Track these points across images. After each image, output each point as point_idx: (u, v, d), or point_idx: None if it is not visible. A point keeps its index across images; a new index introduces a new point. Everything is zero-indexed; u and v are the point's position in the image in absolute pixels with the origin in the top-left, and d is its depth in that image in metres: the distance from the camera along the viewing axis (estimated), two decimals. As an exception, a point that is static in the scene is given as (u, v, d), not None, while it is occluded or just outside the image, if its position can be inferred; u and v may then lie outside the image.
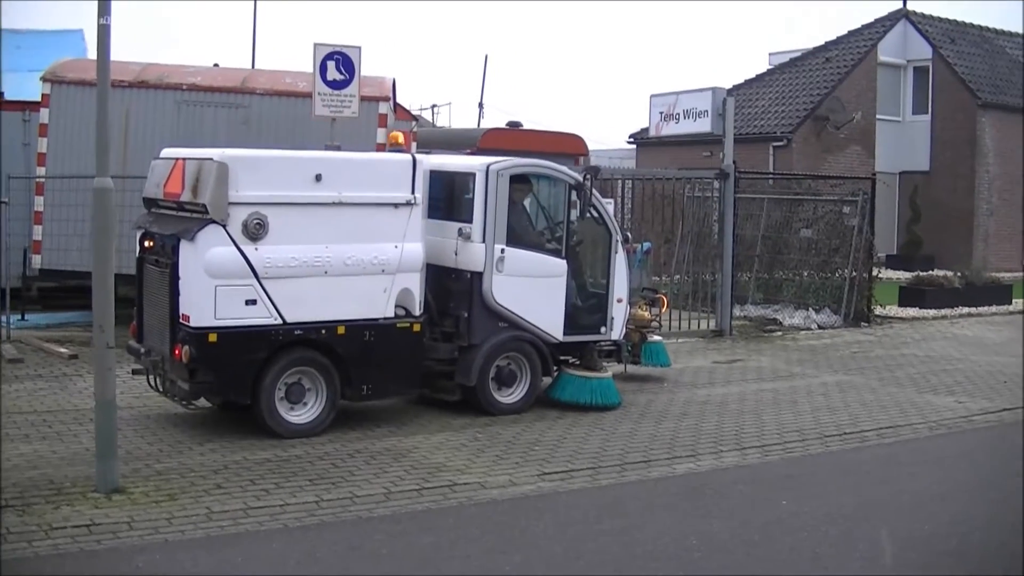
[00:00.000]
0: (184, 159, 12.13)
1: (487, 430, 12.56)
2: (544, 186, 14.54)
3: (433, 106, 57.18)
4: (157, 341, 12.09)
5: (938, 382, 16.92)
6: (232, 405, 12.30)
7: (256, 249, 11.52)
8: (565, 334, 13.93)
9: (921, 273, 30.55)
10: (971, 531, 9.60)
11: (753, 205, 25.45)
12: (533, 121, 28.13)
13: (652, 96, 24.20)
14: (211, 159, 11.56)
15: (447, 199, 13.72)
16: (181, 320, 11.49)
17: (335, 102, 16.34)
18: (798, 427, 13.42)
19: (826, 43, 43.89)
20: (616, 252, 14.42)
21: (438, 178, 13.53)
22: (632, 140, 45.14)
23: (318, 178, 11.89)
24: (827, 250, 24.23)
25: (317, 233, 11.91)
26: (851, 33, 43.57)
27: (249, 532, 8.93)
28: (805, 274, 24.65)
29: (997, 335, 23.06)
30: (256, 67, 28.50)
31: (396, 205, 12.43)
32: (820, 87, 40.69)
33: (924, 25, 42.98)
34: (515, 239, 13.54)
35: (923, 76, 42.56)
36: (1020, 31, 47.82)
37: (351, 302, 12.18)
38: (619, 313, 14.51)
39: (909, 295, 26.97)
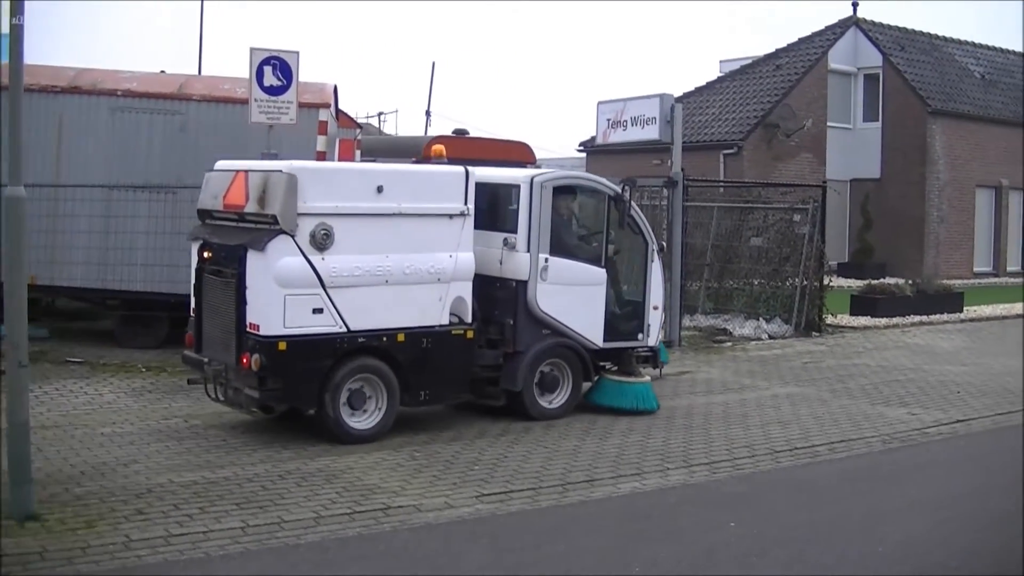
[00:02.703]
0: (247, 171, 12.37)
1: (425, 448, 12.12)
2: (585, 197, 14.99)
3: (380, 113, 56.80)
4: (220, 351, 12.28)
5: (891, 393, 16.65)
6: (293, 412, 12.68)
7: (323, 259, 11.83)
8: (605, 340, 14.39)
9: (873, 281, 30.37)
10: (928, 551, 9.25)
11: (703, 213, 25.18)
12: (481, 129, 27.68)
13: (599, 103, 23.80)
14: (280, 171, 11.83)
15: (491, 210, 13.87)
16: (249, 329, 11.74)
17: (272, 108, 15.90)
18: (748, 442, 13.06)
19: (776, 50, 43.79)
20: (652, 261, 14.91)
21: (482, 190, 13.50)
22: (582, 148, 44.93)
23: (379, 189, 12.24)
24: (778, 259, 23.93)
25: (378, 243, 12.26)
26: (801, 40, 43.48)
27: (168, 562, 8.44)
28: (755, 283, 24.35)
29: (949, 344, 22.87)
30: (203, 74, 27.94)
31: (451, 216, 12.83)
32: (771, 95, 40.54)
33: (874, 32, 42.96)
34: (557, 249, 13.92)
35: (873, 83, 42.54)
36: (968, 38, 47.91)
37: (410, 310, 12.56)
38: (655, 320, 14.99)
39: (861, 304, 26.77)
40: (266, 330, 11.61)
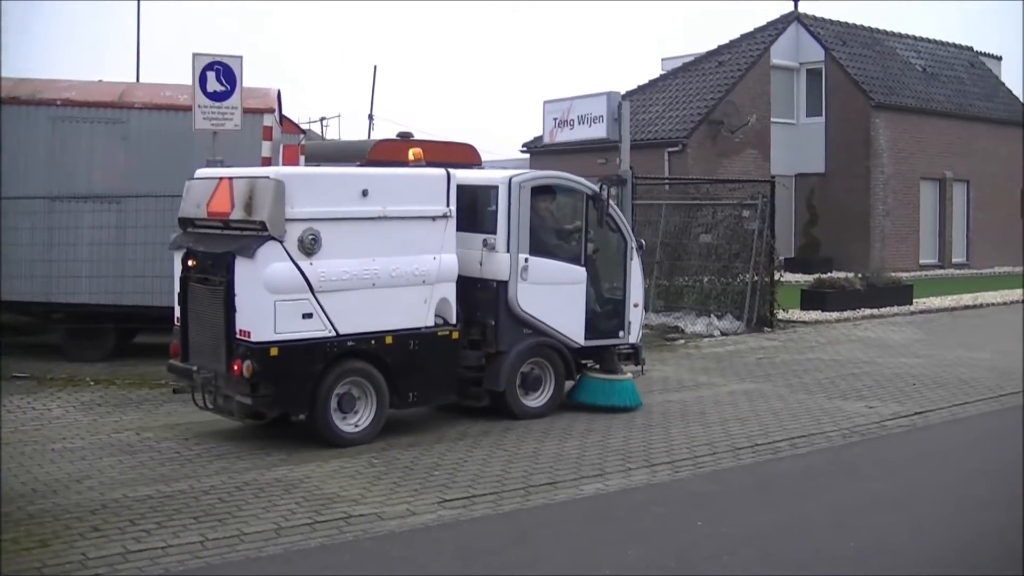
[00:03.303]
0: (231, 178, 12.41)
1: (383, 455, 11.92)
2: (563, 197, 15.01)
3: (322, 119, 56.51)
4: (208, 359, 12.34)
5: (847, 387, 16.61)
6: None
7: (311, 264, 11.91)
8: (587, 338, 14.55)
9: (822, 275, 30.35)
10: (900, 547, 9.14)
11: (651, 211, 25.14)
12: (425, 132, 27.41)
13: (545, 102, 23.53)
14: (267, 177, 11.91)
15: (470, 212, 13.89)
16: (239, 336, 11.78)
17: (216, 114, 15.64)
18: (708, 440, 12.94)
19: (719, 47, 43.90)
20: (631, 259, 15.06)
21: (461, 191, 13.51)
22: (525, 149, 44.82)
23: (364, 193, 12.36)
24: (727, 255, 23.90)
25: (364, 246, 12.36)
26: (743, 37, 43.62)
27: (126, 580, 8.23)
28: (706, 280, 24.32)
29: (900, 336, 22.92)
30: (141, 81, 27.58)
31: (434, 218, 12.98)
32: (714, 91, 40.60)
33: (816, 28, 43.14)
34: (537, 248, 14.06)
35: (816, 78, 42.73)
36: (909, 32, 48.19)
37: (397, 313, 12.69)
38: (636, 317, 15.18)
39: (811, 298, 26.75)
40: (257, 336, 11.64)
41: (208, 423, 13.28)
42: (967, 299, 30.70)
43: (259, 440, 12.49)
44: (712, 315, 23.23)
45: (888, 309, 27.19)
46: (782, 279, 25.07)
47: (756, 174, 36.15)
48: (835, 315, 25.57)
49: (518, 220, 13.81)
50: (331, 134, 54.73)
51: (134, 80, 28.91)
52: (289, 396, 11.96)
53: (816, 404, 15.22)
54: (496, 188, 13.91)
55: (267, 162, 17.49)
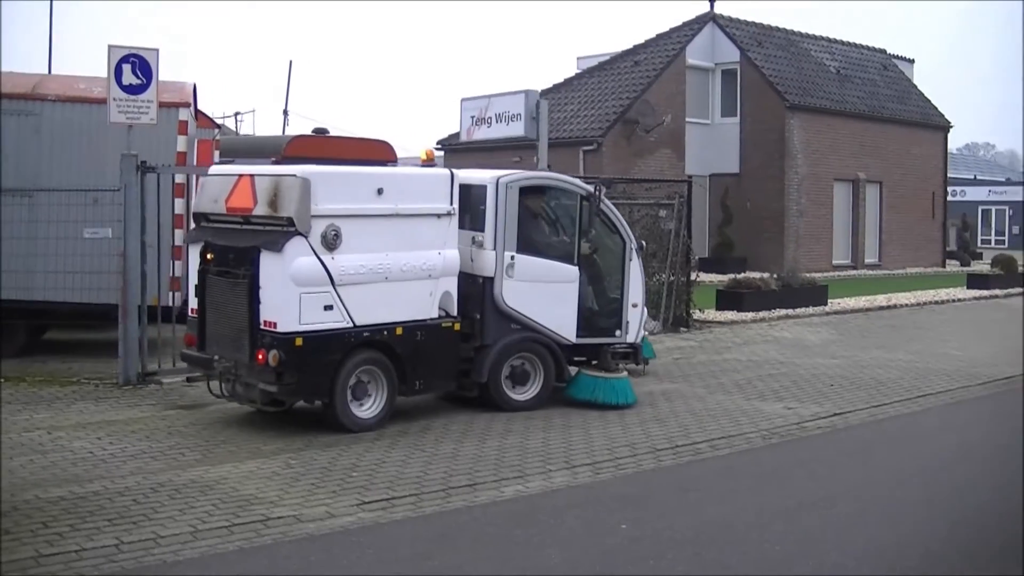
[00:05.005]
0: (251, 175, 12.95)
1: (300, 456, 11.72)
2: (555, 197, 15.52)
3: (236, 113, 56.00)
4: (228, 348, 12.86)
5: (765, 387, 16.65)
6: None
7: (332, 258, 12.52)
8: (578, 336, 14.96)
9: (738, 276, 30.51)
10: (825, 551, 9.10)
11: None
12: (340, 128, 27.23)
13: (463, 100, 23.55)
14: (294, 175, 12.42)
15: (463, 210, 14.20)
16: (264, 326, 12.37)
17: (132, 108, 15.37)
18: (628, 441, 12.87)
19: (634, 46, 44.03)
20: (630, 259, 15.50)
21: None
22: (440, 147, 44.68)
23: (380, 191, 12.97)
24: (644, 255, 23.83)
25: (379, 242, 13.00)
26: (659, 36, 43.77)
27: (38, 584, 8.00)
28: (623, 279, 24.24)
29: (816, 337, 23.08)
30: (53, 73, 27.08)
31: (439, 215, 13.60)
32: (629, 91, 40.68)
33: (731, 28, 43.38)
34: (526, 246, 14.52)
35: (731, 79, 42.97)
36: (823, 34, 48.62)
37: (406, 305, 13.34)
38: (634, 317, 15.55)
39: (727, 298, 26.85)
40: (283, 327, 12.24)
41: (121, 422, 13.09)
42: (881, 300, 31.04)
43: (174, 439, 12.29)
44: (629, 315, 23.17)
45: (803, 309, 27.38)
46: (698, 279, 25.13)
47: (671, 174, 36.34)
48: (751, 315, 25.70)
49: (504, 218, 14.22)
50: (245, 129, 54.19)
51: (46, 72, 28.33)
52: (311, 384, 12.60)
53: (735, 405, 15.22)
54: (484, 187, 14.28)
55: (182, 157, 17.28)
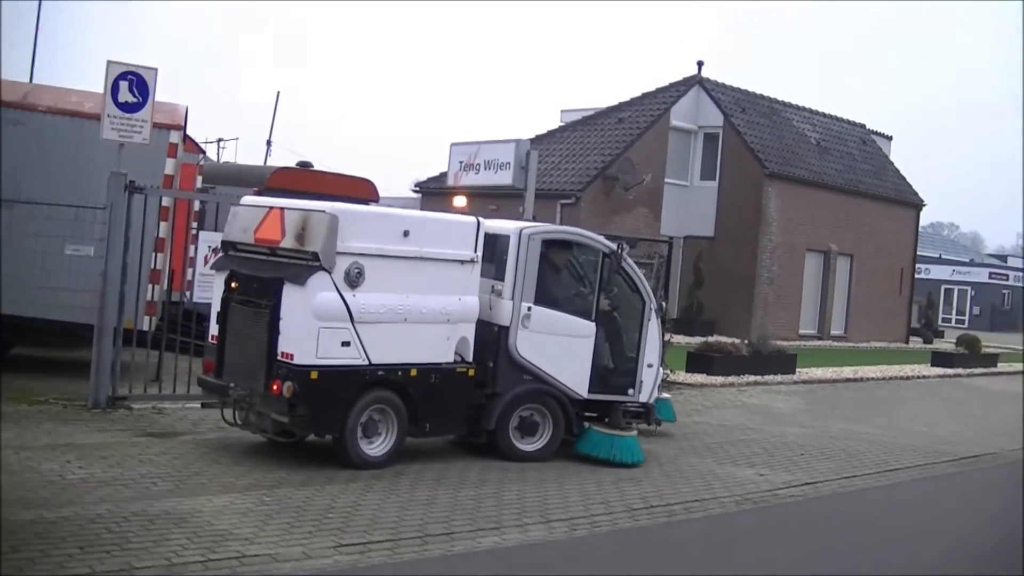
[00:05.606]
0: (282, 208, 13.13)
1: (274, 493, 11.52)
2: (577, 252, 15.55)
3: (219, 140, 55.61)
4: (244, 377, 12.97)
5: (736, 452, 16.61)
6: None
7: (354, 295, 12.63)
8: (591, 391, 14.95)
9: (709, 339, 30.51)
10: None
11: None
12: (322, 163, 27.02)
13: (452, 144, 23.53)
14: (323, 211, 12.60)
15: (487, 258, 14.36)
16: (282, 357, 12.46)
17: (126, 126, 15.16)
18: (603, 498, 12.76)
19: (620, 103, 44.08)
20: (648, 319, 15.53)
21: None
22: (417, 189, 44.66)
23: (406, 234, 13.10)
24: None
25: (401, 283, 13.11)
26: (645, 95, 43.87)
27: (8, 609, 7.78)
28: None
29: (785, 404, 23.15)
30: (34, 82, 26.82)
31: (462, 262, 13.72)
32: (612, 147, 40.70)
33: (717, 93, 43.52)
34: (544, 299, 14.58)
35: (713, 143, 43.07)
36: (804, 104, 48.87)
37: (422, 347, 13.43)
38: (648, 377, 15.52)
39: (697, 361, 26.80)
40: (300, 359, 12.36)
41: (91, 446, 12.85)
42: (848, 372, 31.15)
43: (145, 468, 12.06)
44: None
45: (772, 377, 27.41)
46: (672, 340, 25.06)
47: (646, 233, 36.33)
48: (720, 379, 25.65)
49: (524, 270, 14.35)
50: (227, 156, 53.91)
51: (27, 80, 28.02)
52: (322, 418, 12.72)
53: (707, 468, 15.16)
54: (508, 237, 14.44)
55: (169, 180, 17.09)
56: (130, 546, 9.22)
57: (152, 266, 16.54)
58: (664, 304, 16.56)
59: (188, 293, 17.30)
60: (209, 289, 15.38)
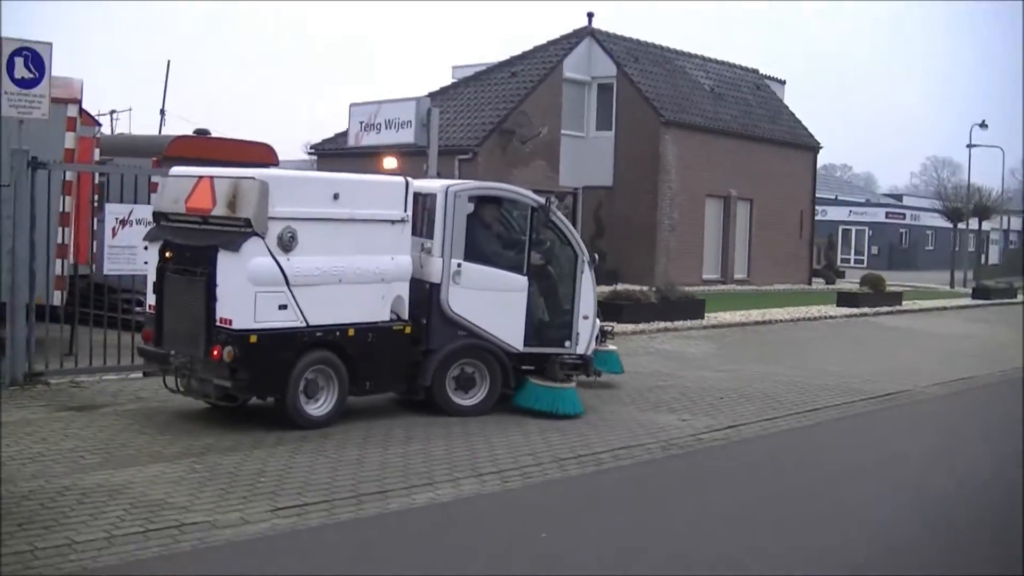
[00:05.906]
0: (212, 177, 13.15)
1: (204, 460, 11.45)
2: (506, 207, 15.64)
3: (112, 111, 54.85)
4: (185, 344, 13.09)
5: (656, 399, 16.73)
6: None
7: (288, 259, 12.81)
8: (526, 345, 15.14)
9: (617, 288, 30.68)
10: (741, 560, 9.15)
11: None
12: (219, 130, 26.77)
13: (352, 105, 23.25)
14: (252, 178, 12.74)
15: (417, 217, 14.53)
16: (220, 323, 12.63)
17: (24, 102, 14.89)
18: (531, 450, 12.82)
19: (511, 58, 44.11)
20: (582, 272, 15.62)
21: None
22: (312, 151, 44.56)
23: (335, 197, 13.32)
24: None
25: (334, 245, 13.29)
26: (537, 49, 43.93)
27: (-48, 590, 7.70)
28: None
29: (697, 350, 23.35)
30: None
31: (393, 222, 13.90)
32: (506, 101, 40.75)
33: (608, 43, 43.65)
34: (474, 255, 14.71)
35: (607, 93, 43.22)
36: (697, 52, 49.17)
37: (358, 307, 13.64)
38: (585, 329, 15.72)
39: (606, 310, 26.74)
40: (239, 324, 12.53)
41: (13, 423, 12.69)
42: (755, 315, 31.45)
43: (71, 442, 11.93)
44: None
45: (682, 323, 27.66)
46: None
47: (545, 185, 36.43)
48: (631, 327, 25.78)
49: (452, 227, 14.47)
50: (121, 128, 53.21)
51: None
52: (264, 380, 12.89)
53: (629, 416, 15.26)
54: (435, 195, 14.55)
55: (70, 154, 16.87)
56: (68, 521, 9.14)
57: (60, 241, 16.35)
58: (596, 256, 16.50)
59: (95, 266, 17.12)
60: (119, 261, 15.35)
